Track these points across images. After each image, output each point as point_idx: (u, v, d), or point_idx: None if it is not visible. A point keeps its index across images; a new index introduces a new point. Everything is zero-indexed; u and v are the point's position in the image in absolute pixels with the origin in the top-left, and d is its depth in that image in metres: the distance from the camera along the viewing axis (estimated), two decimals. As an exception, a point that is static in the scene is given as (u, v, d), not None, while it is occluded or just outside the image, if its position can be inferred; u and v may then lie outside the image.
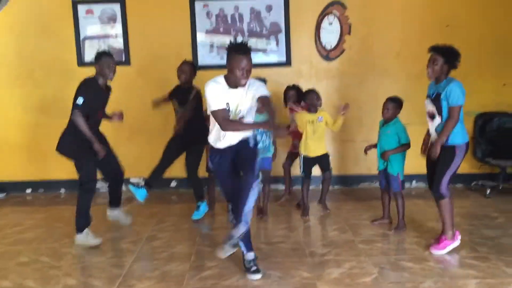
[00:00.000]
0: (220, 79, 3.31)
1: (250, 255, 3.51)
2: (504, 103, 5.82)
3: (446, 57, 3.64)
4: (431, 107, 3.73)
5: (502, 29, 5.71)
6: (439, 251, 3.74)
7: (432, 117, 3.75)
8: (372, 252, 3.90)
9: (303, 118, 4.71)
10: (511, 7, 5.68)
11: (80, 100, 3.98)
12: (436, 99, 3.68)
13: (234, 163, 3.47)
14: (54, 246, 4.20)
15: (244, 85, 3.25)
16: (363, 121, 5.86)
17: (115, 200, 4.59)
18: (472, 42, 5.68)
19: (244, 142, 3.45)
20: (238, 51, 3.19)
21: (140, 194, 4.68)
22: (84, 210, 4.16)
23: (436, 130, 3.73)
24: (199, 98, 4.70)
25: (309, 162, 4.75)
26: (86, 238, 4.13)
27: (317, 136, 4.71)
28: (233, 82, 3.26)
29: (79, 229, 4.14)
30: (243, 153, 3.43)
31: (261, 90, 3.31)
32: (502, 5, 5.69)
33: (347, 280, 3.39)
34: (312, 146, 4.71)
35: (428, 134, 3.99)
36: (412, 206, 4.93)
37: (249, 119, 3.42)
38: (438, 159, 3.67)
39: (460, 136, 3.66)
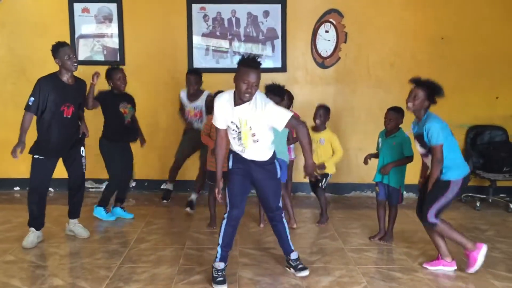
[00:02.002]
0: (229, 96, 3.29)
1: (219, 265, 3.46)
2: (496, 117, 5.87)
3: (427, 92, 3.51)
4: (420, 149, 3.64)
5: (496, 43, 5.76)
6: (475, 267, 3.58)
7: (425, 156, 3.65)
8: (362, 261, 3.89)
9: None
10: (505, 22, 5.74)
11: (29, 101, 3.97)
12: (420, 140, 3.58)
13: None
14: (41, 246, 4.15)
15: (247, 100, 3.19)
16: (356, 129, 5.88)
17: (72, 210, 4.43)
18: (466, 55, 5.74)
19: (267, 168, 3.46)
20: (246, 64, 3.17)
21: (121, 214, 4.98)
22: (30, 209, 4.19)
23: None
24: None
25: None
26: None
27: (316, 157, 4.56)
28: (238, 98, 3.23)
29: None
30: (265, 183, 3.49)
31: (276, 118, 3.22)
32: (496, 20, 5.74)
33: (336, 288, 3.39)
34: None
35: (423, 166, 3.87)
36: (402, 217, 4.92)
37: (264, 141, 3.35)
38: (432, 189, 3.55)
39: (455, 171, 3.54)
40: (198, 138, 4.94)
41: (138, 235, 4.44)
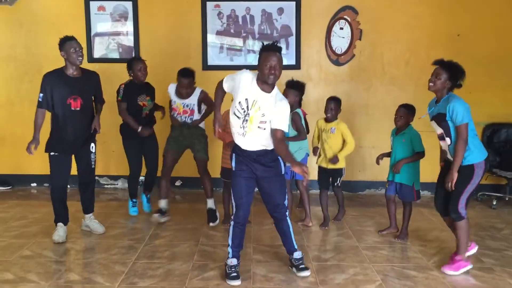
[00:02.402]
0: (253, 77, 3.34)
1: (232, 261, 3.49)
2: (513, 115, 5.80)
3: (450, 73, 3.49)
4: (438, 129, 3.58)
5: (514, 40, 5.69)
6: (453, 272, 3.55)
7: (442, 138, 3.60)
8: (376, 259, 3.88)
9: (319, 124, 4.71)
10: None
11: (39, 97, 4.07)
12: (439, 120, 3.53)
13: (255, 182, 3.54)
14: (57, 241, 4.20)
15: (270, 83, 3.27)
16: (370, 127, 5.85)
17: (84, 205, 4.46)
18: (482, 52, 5.66)
19: (268, 159, 3.46)
20: (268, 49, 3.27)
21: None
22: (54, 206, 4.26)
23: (449, 149, 3.55)
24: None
25: (323, 174, 4.67)
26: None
27: (328, 146, 4.59)
28: (261, 83, 3.30)
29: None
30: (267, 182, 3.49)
31: (280, 120, 3.32)
32: (514, 16, 5.67)
33: (350, 286, 3.37)
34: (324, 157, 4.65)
35: (442, 150, 3.78)
36: (417, 215, 4.90)
37: (267, 134, 3.37)
38: (457, 178, 3.47)
39: (477, 153, 3.48)
40: (187, 135, 4.71)
41: (152, 231, 4.48)
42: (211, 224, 4.68)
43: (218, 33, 5.85)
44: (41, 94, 4.07)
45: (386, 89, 5.84)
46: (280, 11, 5.77)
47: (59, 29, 5.79)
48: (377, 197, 5.73)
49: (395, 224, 4.44)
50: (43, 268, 3.63)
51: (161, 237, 4.34)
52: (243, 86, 3.31)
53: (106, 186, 6.17)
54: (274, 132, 3.33)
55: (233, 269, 3.42)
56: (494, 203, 5.40)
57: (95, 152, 4.37)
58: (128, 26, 5.88)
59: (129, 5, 5.82)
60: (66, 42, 4.09)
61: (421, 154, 4.18)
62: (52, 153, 4.14)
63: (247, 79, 3.32)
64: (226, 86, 3.45)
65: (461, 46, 5.65)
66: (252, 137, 3.37)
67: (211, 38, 5.86)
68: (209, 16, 5.81)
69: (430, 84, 3.57)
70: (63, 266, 3.70)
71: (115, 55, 5.95)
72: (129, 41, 5.90)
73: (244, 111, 3.31)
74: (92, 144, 4.34)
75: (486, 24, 5.67)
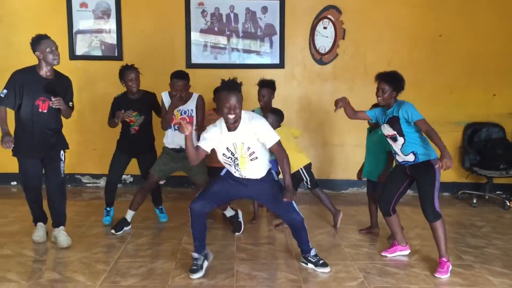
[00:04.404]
0: (220, 123, 3.39)
1: (193, 254, 3.54)
2: (493, 114, 5.88)
3: (393, 84, 3.62)
4: (391, 131, 3.66)
5: (494, 41, 5.76)
6: (445, 275, 3.52)
7: (394, 139, 3.67)
8: (359, 256, 3.91)
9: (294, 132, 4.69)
10: (502, 19, 5.74)
11: (1, 93, 3.84)
12: (393, 122, 3.61)
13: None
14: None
15: (231, 123, 3.27)
16: (353, 126, 5.87)
17: (53, 218, 4.10)
18: (463, 53, 5.74)
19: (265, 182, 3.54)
20: (223, 89, 3.29)
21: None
22: (30, 207, 4.13)
23: (401, 150, 3.64)
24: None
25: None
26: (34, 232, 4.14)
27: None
28: (228, 124, 3.32)
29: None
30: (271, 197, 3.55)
31: (266, 135, 3.36)
32: (493, 17, 5.74)
33: (333, 283, 3.40)
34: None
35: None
36: (399, 213, 4.92)
37: (261, 159, 3.45)
38: (421, 179, 3.59)
39: (433, 150, 3.59)
40: (179, 158, 4.29)
41: (135, 230, 4.44)
42: (236, 234, 4.37)
43: (202, 31, 5.83)
44: (5, 91, 3.81)
45: (369, 89, 5.82)
46: (264, 9, 5.78)
47: (41, 25, 5.70)
48: (360, 196, 5.77)
49: (375, 223, 4.46)
50: (23, 268, 3.58)
51: (144, 236, 4.31)
52: (217, 139, 3.37)
53: (88, 184, 6.11)
54: (272, 150, 3.45)
55: (194, 262, 3.48)
56: (474, 201, 5.48)
57: (64, 160, 4.05)
58: (111, 24, 5.82)
59: (112, 2, 5.75)
60: (41, 41, 3.84)
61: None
62: (19, 158, 3.96)
63: (216, 131, 3.38)
64: (208, 147, 3.40)
65: (442, 47, 5.73)
66: (250, 171, 3.47)
67: (195, 36, 5.83)
68: (193, 14, 5.78)
69: (379, 99, 3.69)
70: (44, 265, 3.66)
71: (98, 53, 5.88)
72: (112, 38, 5.84)
73: (231, 158, 3.40)
74: (62, 152, 4.03)
75: (467, 25, 5.74)
